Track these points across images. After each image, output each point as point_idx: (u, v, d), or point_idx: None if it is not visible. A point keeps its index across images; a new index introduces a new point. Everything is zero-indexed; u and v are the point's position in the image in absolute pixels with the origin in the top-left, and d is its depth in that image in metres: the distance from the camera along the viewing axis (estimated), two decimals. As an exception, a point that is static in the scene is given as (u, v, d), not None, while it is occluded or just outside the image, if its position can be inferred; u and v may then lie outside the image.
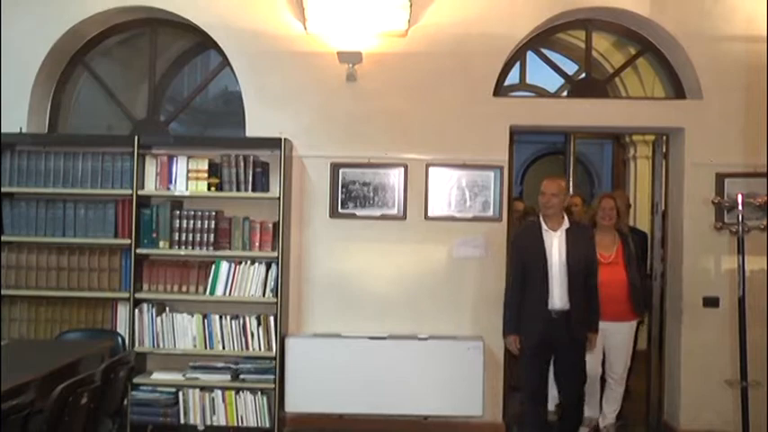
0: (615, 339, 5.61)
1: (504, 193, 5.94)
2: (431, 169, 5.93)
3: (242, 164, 5.70)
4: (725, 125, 5.81)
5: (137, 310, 5.69)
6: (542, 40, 6.25)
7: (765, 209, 5.31)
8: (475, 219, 5.91)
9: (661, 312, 6.23)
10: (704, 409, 5.75)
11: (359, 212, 5.95)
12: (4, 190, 5.74)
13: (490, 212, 5.93)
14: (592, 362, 5.37)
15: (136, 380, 5.59)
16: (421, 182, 5.93)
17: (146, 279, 5.76)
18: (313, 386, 5.64)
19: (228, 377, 5.66)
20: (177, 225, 5.70)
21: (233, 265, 5.71)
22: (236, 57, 6.01)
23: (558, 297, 4.88)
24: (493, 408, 5.81)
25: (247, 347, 5.70)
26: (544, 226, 4.97)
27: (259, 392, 5.68)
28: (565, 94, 6.37)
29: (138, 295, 5.70)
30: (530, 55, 6.38)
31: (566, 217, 5.05)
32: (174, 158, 5.75)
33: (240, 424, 5.67)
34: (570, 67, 6.69)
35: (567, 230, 4.96)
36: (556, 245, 4.92)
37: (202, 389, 5.69)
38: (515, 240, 5.29)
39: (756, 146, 5.57)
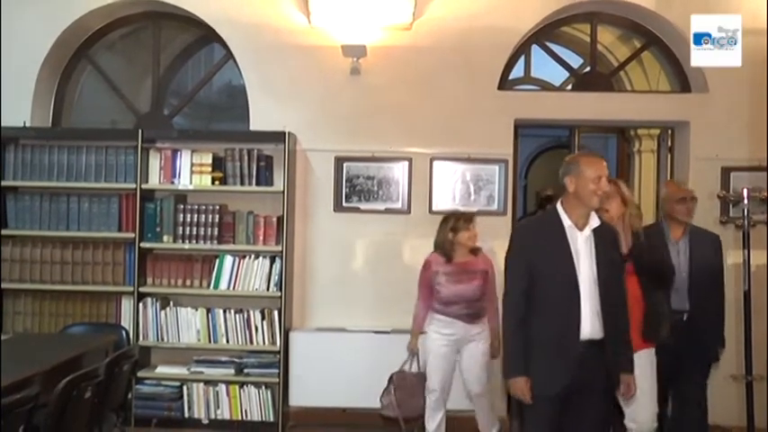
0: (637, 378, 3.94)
1: (508, 187, 5.92)
2: (435, 163, 5.92)
3: (246, 158, 5.69)
4: (730, 119, 5.78)
5: (141, 304, 5.69)
6: (547, 33, 6.24)
7: (766, 203, 5.30)
8: (479, 213, 5.87)
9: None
10: (709, 403, 5.72)
11: (363, 206, 5.94)
12: (8, 184, 5.74)
13: (495, 206, 5.91)
14: (644, 413, 4.10)
15: (140, 374, 5.60)
16: (425, 176, 5.91)
17: (150, 273, 5.76)
18: (317, 380, 5.64)
19: (232, 371, 5.66)
20: (181, 219, 5.69)
21: (237, 260, 5.70)
22: (239, 50, 6.00)
23: (589, 322, 3.49)
24: (496, 402, 5.79)
25: (251, 341, 5.70)
26: (567, 221, 3.58)
27: (263, 386, 5.68)
28: (569, 87, 6.35)
29: (142, 289, 5.70)
30: (534, 48, 6.37)
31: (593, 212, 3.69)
32: (178, 152, 5.74)
33: (244, 418, 5.67)
34: (575, 61, 6.68)
35: (595, 231, 3.59)
36: (584, 249, 3.54)
37: (206, 383, 5.69)
38: (521, 237, 3.79)
39: (762, 140, 5.55)
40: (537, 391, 3.48)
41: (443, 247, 4.99)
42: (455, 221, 4.98)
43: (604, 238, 3.59)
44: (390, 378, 5.14)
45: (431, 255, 5.06)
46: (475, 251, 5.04)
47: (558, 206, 3.62)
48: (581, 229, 3.54)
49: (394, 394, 5.11)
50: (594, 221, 3.57)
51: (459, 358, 5.02)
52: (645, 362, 4.00)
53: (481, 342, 5.00)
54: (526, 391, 3.48)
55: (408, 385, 5.10)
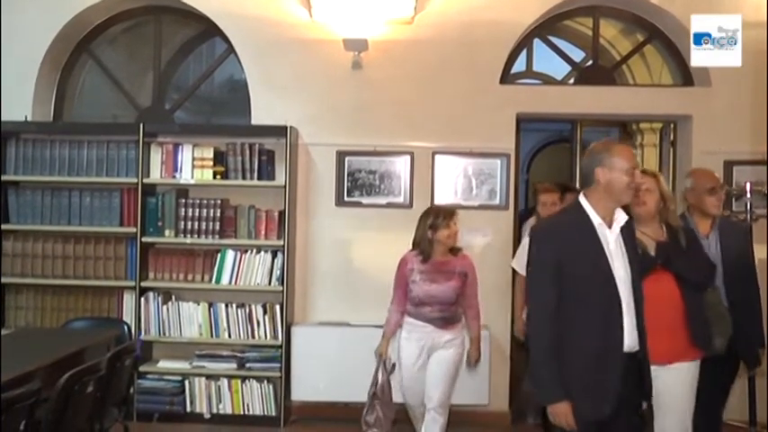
0: (669, 396, 3.58)
1: (510, 182, 5.91)
2: (437, 157, 5.91)
3: (247, 152, 5.69)
4: (733, 112, 5.76)
5: (142, 299, 5.69)
6: (549, 27, 6.22)
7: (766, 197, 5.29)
8: (481, 207, 5.89)
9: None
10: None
11: (365, 201, 5.93)
12: (9, 178, 5.74)
13: (496, 201, 5.90)
14: None
15: (142, 368, 5.60)
16: (427, 170, 5.90)
17: (151, 267, 5.75)
18: (319, 375, 5.64)
19: (234, 366, 5.66)
20: (183, 213, 5.69)
21: (239, 254, 5.70)
22: (241, 44, 5.99)
23: (629, 333, 3.10)
24: (499, 397, 5.81)
25: (253, 336, 5.70)
26: (596, 218, 3.14)
27: (265, 381, 5.68)
28: (571, 81, 6.34)
29: (143, 284, 5.70)
30: (536, 42, 6.36)
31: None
32: (180, 147, 5.74)
33: (246, 412, 5.67)
34: (577, 55, 6.66)
35: (623, 228, 3.21)
36: (615, 250, 3.15)
37: (208, 377, 5.69)
38: (545, 242, 3.23)
39: (764, 133, 5.54)
40: (581, 417, 3.03)
41: (421, 245, 4.61)
42: (434, 218, 4.58)
43: (629, 236, 3.24)
44: (373, 395, 4.66)
45: (408, 252, 4.69)
46: (454, 251, 4.66)
47: (583, 201, 3.18)
48: (609, 226, 3.15)
49: (380, 410, 4.63)
50: (621, 217, 3.18)
51: (428, 364, 4.56)
52: (679, 376, 3.58)
53: (452, 349, 4.54)
54: (570, 417, 3.03)
55: (388, 398, 4.67)
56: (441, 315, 4.54)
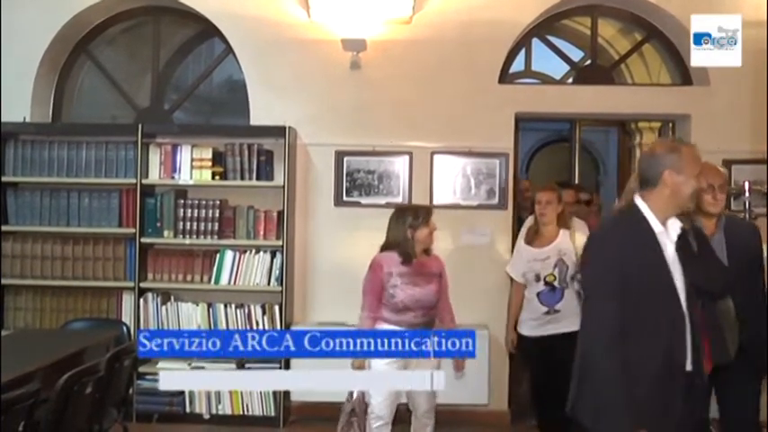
0: None
1: (509, 181, 5.91)
2: (436, 157, 5.91)
3: (246, 152, 5.69)
4: (732, 112, 5.76)
5: (141, 300, 5.69)
6: (547, 26, 6.22)
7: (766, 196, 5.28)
8: (480, 206, 5.89)
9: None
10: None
11: (364, 201, 5.93)
12: (8, 179, 5.74)
13: (495, 200, 5.90)
14: None
15: (141, 369, 5.59)
16: (426, 170, 5.90)
17: (150, 268, 5.75)
18: (318, 375, 5.63)
19: (234, 366, 5.66)
20: (181, 214, 5.69)
21: (238, 254, 5.70)
22: (239, 45, 5.99)
23: (690, 351, 2.88)
24: (498, 396, 5.80)
25: (252, 336, 5.69)
26: (657, 225, 2.88)
27: (264, 381, 5.68)
28: (570, 81, 6.33)
29: (142, 284, 5.70)
30: (535, 42, 6.36)
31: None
32: (178, 147, 5.74)
33: (245, 413, 5.67)
34: (575, 54, 6.66)
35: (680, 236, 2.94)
36: (673, 260, 2.89)
37: (208, 378, 5.69)
38: (607, 250, 2.89)
39: (763, 132, 5.54)
40: None
41: (400, 246, 4.33)
42: (414, 217, 4.34)
43: (685, 244, 2.96)
44: (351, 411, 4.35)
45: (380, 254, 4.44)
46: (428, 250, 4.45)
47: (641, 205, 2.89)
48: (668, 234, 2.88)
49: (357, 428, 4.33)
50: (676, 224, 2.90)
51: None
52: None
53: (430, 363, 4.01)
54: None
55: (365, 414, 4.36)
56: (423, 320, 4.32)
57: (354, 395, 4.35)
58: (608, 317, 2.75)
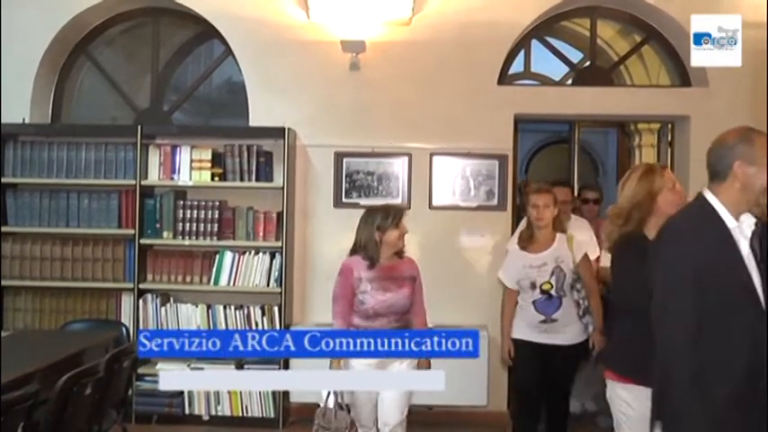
0: None
1: (508, 183, 5.91)
2: (435, 158, 5.91)
3: (245, 153, 5.69)
4: (731, 113, 5.74)
5: (141, 301, 5.69)
6: (547, 28, 6.23)
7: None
8: (479, 208, 5.89)
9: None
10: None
11: (363, 202, 5.91)
12: (7, 181, 5.74)
13: (494, 201, 5.90)
14: None
15: (140, 370, 5.59)
16: (425, 171, 5.91)
17: (150, 269, 5.75)
18: (317, 376, 5.62)
19: (233, 367, 5.65)
20: (181, 215, 5.69)
21: (237, 255, 5.70)
22: (239, 46, 5.99)
23: None
24: (497, 397, 5.80)
25: (252, 337, 5.69)
26: (731, 220, 2.63)
27: (264, 382, 5.68)
28: (569, 82, 6.34)
29: (142, 286, 5.70)
30: (534, 43, 6.36)
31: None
32: (178, 148, 5.74)
33: (245, 414, 5.67)
34: (575, 56, 6.67)
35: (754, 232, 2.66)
36: (749, 258, 2.61)
37: (207, 379, 5.69)
38: (683, 241, 2.62)
39: (764, 132, 5.54)
40: None
41: (366, 249, 4.10)
42: (383, 218, 4.10)
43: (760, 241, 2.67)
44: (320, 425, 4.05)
45: (348, 258, 4.20)
46: (400, 253, 4.23)
47: (711, 199, 2.65)
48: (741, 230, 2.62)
49: None
50: (749, 219, 2.63)
51: None
52: None
53: (405, 362, 4.07)
54: None
55: (336, 425, 4.00)
56: (397, 326, 4.09)
57: (331, 404, 4.02)
58: (684, 321, 2.51)
